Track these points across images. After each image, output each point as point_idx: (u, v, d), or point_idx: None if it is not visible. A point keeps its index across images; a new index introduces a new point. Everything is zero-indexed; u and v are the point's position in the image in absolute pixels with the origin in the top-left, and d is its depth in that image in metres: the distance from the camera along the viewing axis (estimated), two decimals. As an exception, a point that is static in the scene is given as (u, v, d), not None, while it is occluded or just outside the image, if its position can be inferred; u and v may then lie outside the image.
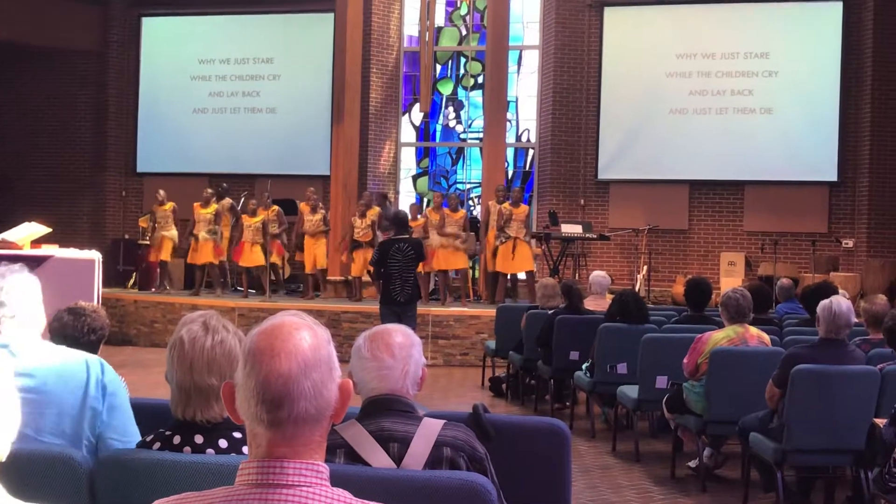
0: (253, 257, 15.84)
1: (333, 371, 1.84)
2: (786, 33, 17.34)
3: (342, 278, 15.94)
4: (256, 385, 1.77)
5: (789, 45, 17.32)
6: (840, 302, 6.00)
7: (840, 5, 17.12)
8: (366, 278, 15.15)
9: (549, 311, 9.86)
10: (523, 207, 15.28)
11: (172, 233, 16.49)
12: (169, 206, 16.53)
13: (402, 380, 2.97)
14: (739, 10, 17.59)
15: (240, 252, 16.02)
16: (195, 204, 16.31)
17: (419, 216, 15.91)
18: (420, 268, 12.43)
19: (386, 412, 2.92)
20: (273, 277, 16.20)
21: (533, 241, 15.55)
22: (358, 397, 2.81)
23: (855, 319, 6.35)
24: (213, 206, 16.16)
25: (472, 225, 16.02)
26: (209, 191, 16.43)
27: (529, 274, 15.56)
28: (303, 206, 15.98)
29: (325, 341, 1.85)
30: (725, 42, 17.57)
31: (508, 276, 15.45)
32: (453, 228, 15.12)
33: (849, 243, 16.86)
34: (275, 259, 16.04)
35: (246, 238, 15.89)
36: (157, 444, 2.85)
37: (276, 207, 15.99)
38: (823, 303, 6.02)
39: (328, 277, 16.06)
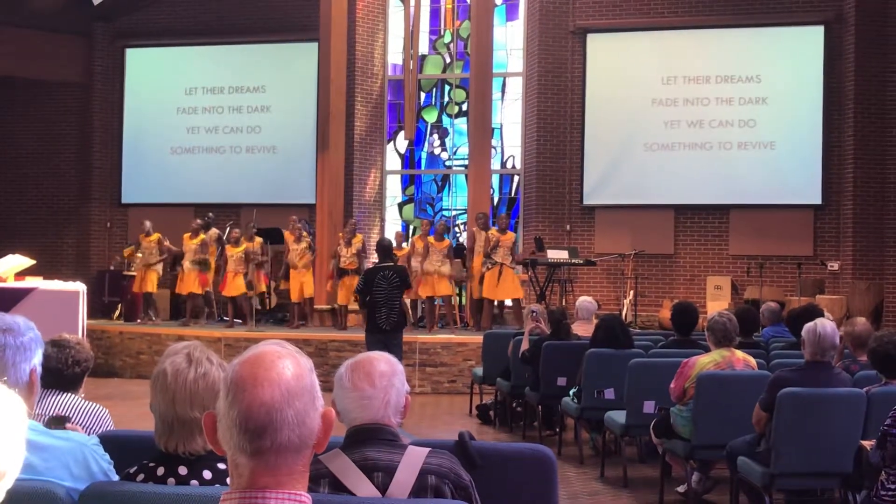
0: (235, 286, 15.78)
1: (316, 400, 1.83)
2: (768, 58, 17.41)
3: (328, 307, 15.90)
4: (239, 414, 1.76)
5: (772, 69, 17.38)
6: (825, 324, 6.01)
7: (821, 29, 17.23)
8: (352, 306, 15.11)
9: (534, 337, 9.86)
10: (510, 234, 15.29)
11: (157, 265, 16.51)
12: (154, 237, 16.56)
13: (383, 409, 2.96)
14: (722, 36, 17.69)
15: (224, 282, 16.00)
16: (184, 234, 16.31)
17: (404, 244, 15.88)
18: (406, 295, 12.41)
19: (370, 441, 2.91)
20: (258, 307, 16.16)
21: (518, 268, 15.52)
22: (341, 426, 2.80)
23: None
24: (201, 237, 16.17)
25: (458, 252, 15.99)
26: (198, 221, 16.46)
27: (516, 300, 15.55)
28: (287, 235, 15.98)
29: (308, 370, 1.84)
30: (709, 67, 17.64)
31: (495, 303, 15.45)
32: (437, 257, 15.08)
33: (834, 266, 16.90)
34: (260, 289, 16.02)
35: (229, 268, 15.85)
36: (141, 476, 2.82)
37: (259, 239, 15.97)
38: (808, 325, 6.03)
39: (315, 306, 16.03)
